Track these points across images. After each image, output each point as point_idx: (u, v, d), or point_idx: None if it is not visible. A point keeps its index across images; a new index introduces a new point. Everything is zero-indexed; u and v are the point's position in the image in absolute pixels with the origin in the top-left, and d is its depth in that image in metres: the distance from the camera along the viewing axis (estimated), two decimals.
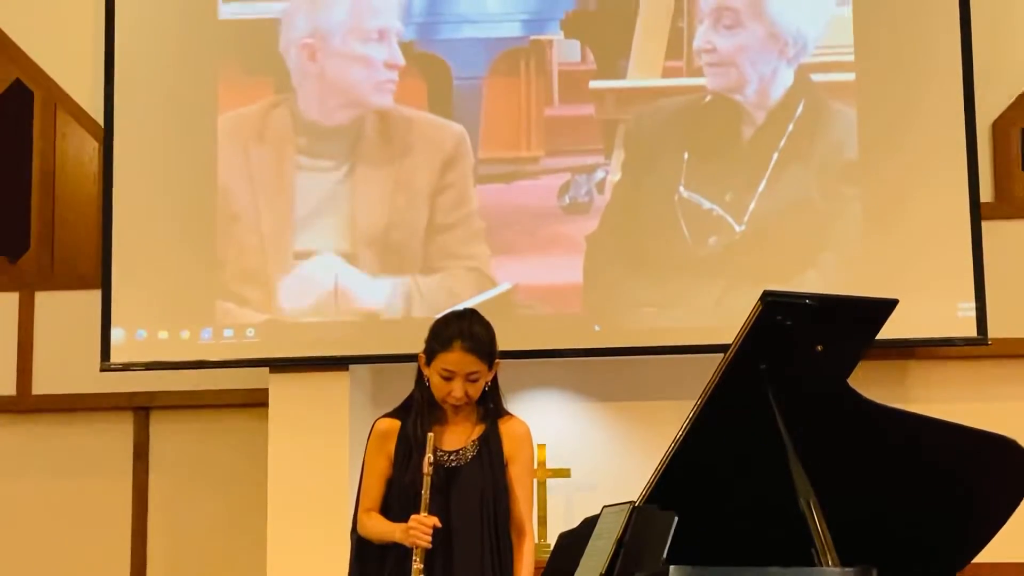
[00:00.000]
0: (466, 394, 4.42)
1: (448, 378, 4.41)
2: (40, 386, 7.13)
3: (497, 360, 4.50)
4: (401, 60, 6.61)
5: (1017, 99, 6.82)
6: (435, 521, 4.30)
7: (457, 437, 4.50)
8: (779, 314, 3.47)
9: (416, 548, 4.29)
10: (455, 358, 4.39)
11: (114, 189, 6.65)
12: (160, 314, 6.58)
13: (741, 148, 6.48)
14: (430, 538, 4.28)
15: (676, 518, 3.39)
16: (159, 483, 7.12)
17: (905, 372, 6.65)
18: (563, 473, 6.46)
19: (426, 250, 6.52)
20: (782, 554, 3.53)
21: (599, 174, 6.54)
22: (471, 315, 4.55)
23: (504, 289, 6.48)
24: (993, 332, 6.34)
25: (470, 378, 4.41)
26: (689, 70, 6.55)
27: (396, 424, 4.53)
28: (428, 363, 4.45)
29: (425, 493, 4.32)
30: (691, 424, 3.58)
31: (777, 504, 3.54)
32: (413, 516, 4.31)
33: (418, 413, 4.50)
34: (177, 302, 6.59)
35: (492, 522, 4.44)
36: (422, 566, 4.28)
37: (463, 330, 4.43)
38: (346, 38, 6.63)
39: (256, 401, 6.74)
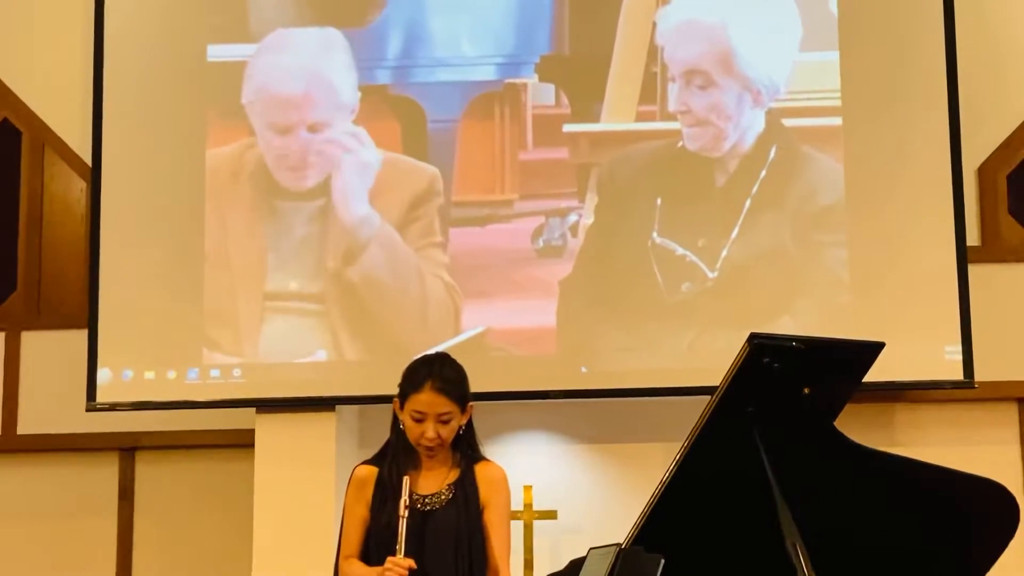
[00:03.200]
0: (439, 436, 4.44)
1: (420, 419, 4.43)
2: (26, 426, 7.11)
3: (470, 404, 4.52)
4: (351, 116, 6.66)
5: (1003, 144, 6.84)
6: (411, 563, 4.30)
7: (432, 481, 4.52)
8: (766, 356, 3.48)
9: None
10: (426, 399, 4.42)
11: (101, 229, 6.65)
12: (147, 354, 6.57)
13: (714, 194, 6.49)
14: None
15: (663, 561, 3.39)
16: (144, 523, 7.09)
17: (892, 415, 6.66)
18: (550, 515, 6.45)
19: (408, 297, 6.51)
20: None
21: (572, 218, 6.55)
22: (442, 358, 4.59)
23: (477, 332, 6.47)
24: (980, 375, 6.34)
25: (441, 419, 4.43)
26: (663, 115, 6.56)
27: (374, 471, 4.55)
28: (401, 406, 4.49)
29: (401, 536, 4.33)
30: (678, 466, 3.58)
31: (764, 546, 3.54)
32: (389, 558, 4.31)
33: (393, 458, 4.52)
34: (164, 342, 6.58)
35: (467, 566, 4.45)
36: None
37: (433, 372, 4.46)
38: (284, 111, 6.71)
39: (242, 442, 6.72)
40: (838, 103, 6.53)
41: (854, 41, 6.55)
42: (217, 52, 6.75)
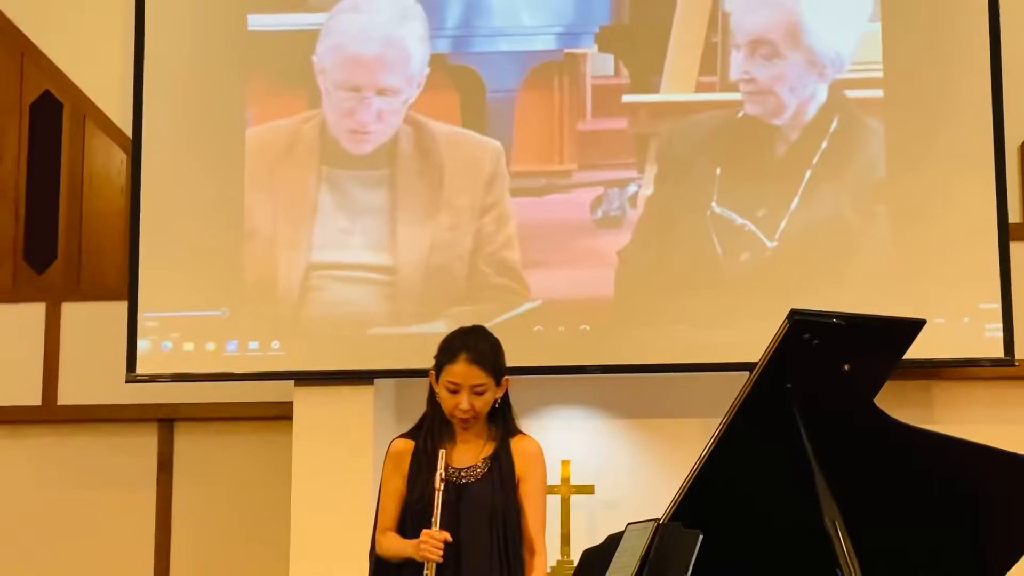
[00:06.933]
0: (473, 407, 4.46)
1: (454, 391, 4.46)
2: (66, 396, 7.15)
3: (506, 377, 4.53)
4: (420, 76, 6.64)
5: None
6: (446, 536, 4.33)
7: (468, 454, 4.54)
8: (806, 333, 3.46)
9: (428, 563, 4.32)
10: (460, 370, 4.45)
11: (141, 201, 6.67)
12: (186, 326, 6.59)
13: (774, 164, 6.45)
14: (441, 552, 4.31)
15: (701, 536, 3.39)
16: (183, 495, 7.13)
17: (931, 392, 6.63)
18: (587, 490, 6.45)
19: (470, 270, 6.51)
20: (808, 572, 3.52)
21: (631, 188, 6.52)
22: (477, 330, 4.62)
23: (535, 305, 6.46)
24: (1020, 353, 6.31)
25: (476, 390, 4.46)
26: (723, 85, 6.53)
27: (410, 444, 4.58)
28: (437, 378, 4.52)
29: (436, 508, 4.35)
30: (716, 442, 3.57)
31: (802, 523, 3.53)
32: (424, 531, 4.34)
33: (429, 430, 4.54)
34: (203, 314, 6.59)
35: (502, 539, 4.47)
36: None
37: (468, 344, 4.50)
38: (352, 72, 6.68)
39: (281, 414, 6.74)
40: (881, 74, 6.48)
41: (897, 12, 6.50)
42: (258, 22, 6.74)
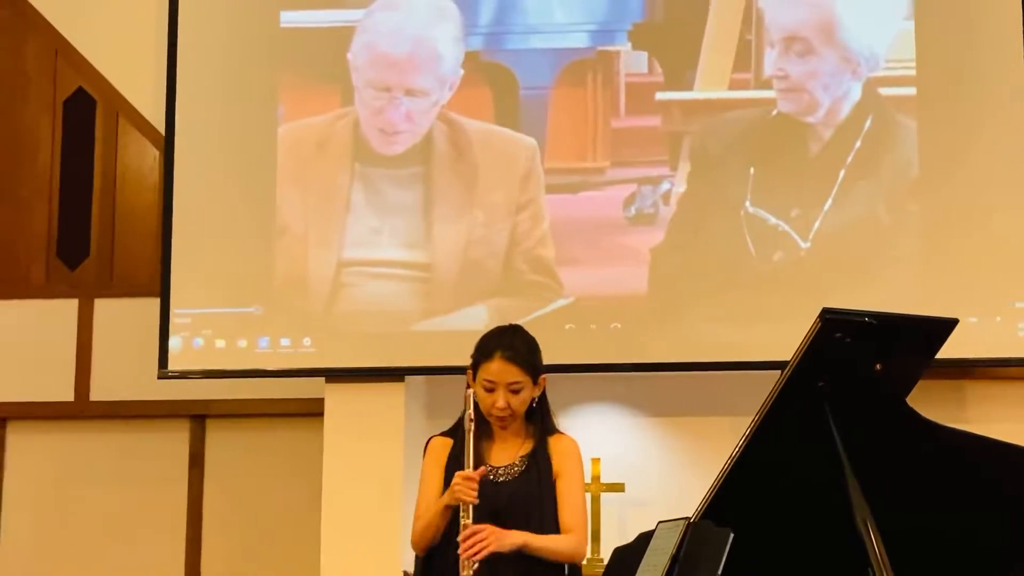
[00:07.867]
0: (509, 406, 4.46)
1: (491, 389, 4.47)
2: (98, 393, 7.18)
3: (543, 376, 4.53)
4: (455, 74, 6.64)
5: None
6: (480, 473, 4.33)
7: (506, 453, 4.55)
8: (838, 332, 3.45)
9: (463, 506, 4.31)
10: (496, 368, 4.46)
11: (174, 198, 6.68)
12: (218, 322, 6.60)
13: (808, 164, 6.43)
14: (476, 493, 4.30)
15: (732, 535, 3.38)
16: (214, 491, 7.15)
17: (963, 392, 6.61)
18: (618, 488, 6.45)
19: (505, 267, 6.51)
20: (838, 572, 3.52)
21: (664, 186, 6.51)
22: (514, 329, 4.64)
23: (567, 302, 6.46)
24: None
25: (512, 388, 4.46)
26: (757, 83, 6.51)
27: (449, 442, 4.59)
28: (474, 377, 4.53)
29: (468, 447, 4.36)
30: (748, 440, 3.56)
31: (833, 522, 3.52)
32: (458, 472, 4.34)
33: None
34: (235, 311, 6.60)
35: None
36: (471, 573, 4.30)
37: (504, 342, 4.51)
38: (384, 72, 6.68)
39: (312, 411, 6.76)
40: (914, 72, 6.46)
41: (930, 10, 6.47)
42: (291, 18, 6.75)
